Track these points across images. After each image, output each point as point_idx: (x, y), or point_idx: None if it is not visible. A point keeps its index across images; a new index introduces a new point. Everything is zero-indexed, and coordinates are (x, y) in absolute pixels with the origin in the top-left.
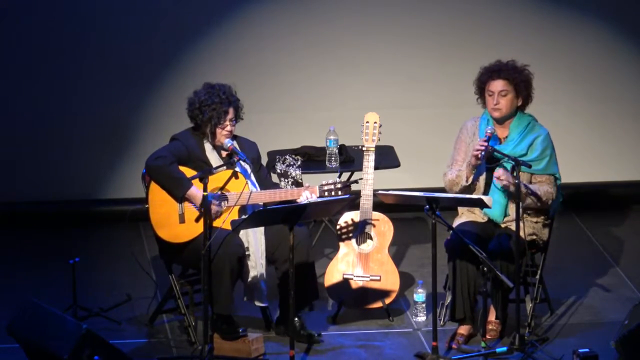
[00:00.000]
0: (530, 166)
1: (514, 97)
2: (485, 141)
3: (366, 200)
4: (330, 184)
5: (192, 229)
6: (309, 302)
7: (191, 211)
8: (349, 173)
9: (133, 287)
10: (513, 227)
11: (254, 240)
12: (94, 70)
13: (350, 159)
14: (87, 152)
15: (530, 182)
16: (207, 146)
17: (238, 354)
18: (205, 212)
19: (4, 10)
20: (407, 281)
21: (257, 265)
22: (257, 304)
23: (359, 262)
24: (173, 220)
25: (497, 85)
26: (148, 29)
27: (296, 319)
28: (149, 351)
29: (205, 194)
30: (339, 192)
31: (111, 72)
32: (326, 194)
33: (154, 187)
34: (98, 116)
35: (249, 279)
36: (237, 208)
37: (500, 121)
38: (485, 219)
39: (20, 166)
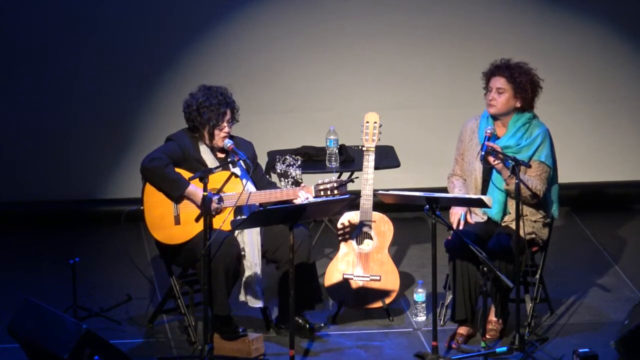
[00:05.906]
0: (530, 166)
1: (511, 97)
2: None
3: (366, 200)
4: (326, 183)
5: (187, 231)
6: (313, 304)
7: (186, 213)
8: (348, 173)
9: (133, 287)
10: (513, 226)
11: (249, 240)
12: (93, 71)
13: (350, 159)
14: (87, 152)
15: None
16: (203, 147)
17: (238, 354)
18: (205, 212)
19: (3, 10)
20: (407, 281)
21: (252, 266)
22: (251, 304)
23: (359, 262)
24: (168, 222)
25: (496, 82)
26: (148, 29)
27: (300, 319)
28: (149, 351)
29: (205, 193)
30: (335, 192)
31: (111, 73)
32: (322, 193)
33: (148, 188)
34: (97, 116)
35: (244, 279)
36: (233, 208)
37: (496, 119)
38: (485, 218)
39: (20, 166)
